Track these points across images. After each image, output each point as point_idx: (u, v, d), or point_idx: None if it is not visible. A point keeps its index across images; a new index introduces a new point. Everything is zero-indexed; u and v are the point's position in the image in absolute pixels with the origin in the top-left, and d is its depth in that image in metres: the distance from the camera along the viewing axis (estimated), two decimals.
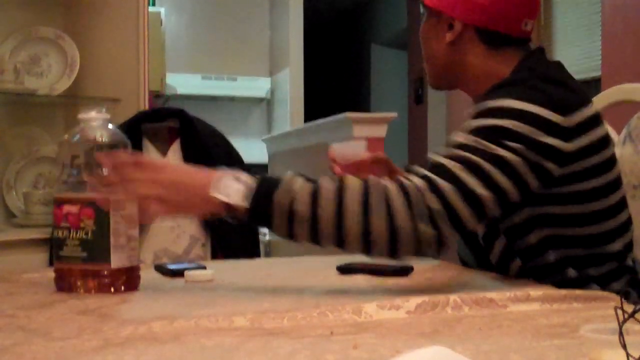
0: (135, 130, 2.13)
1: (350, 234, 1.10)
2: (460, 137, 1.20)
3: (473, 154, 1.16)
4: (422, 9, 1.44)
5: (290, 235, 1.12)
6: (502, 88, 1.27)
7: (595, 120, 1.25)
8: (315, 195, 1.10)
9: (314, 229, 1.10)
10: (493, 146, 1.16)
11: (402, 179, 1.14)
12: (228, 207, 1.13)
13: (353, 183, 1.12)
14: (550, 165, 1.20)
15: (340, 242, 1.11)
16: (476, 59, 1.37)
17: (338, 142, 1.57)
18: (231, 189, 1.13)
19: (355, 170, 1.47)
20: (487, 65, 1.37)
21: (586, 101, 1.27)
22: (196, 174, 1.19)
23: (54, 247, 1.20)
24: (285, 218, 1.11)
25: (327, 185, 1.12)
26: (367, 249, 1.11)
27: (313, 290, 1.18)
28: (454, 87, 1.46)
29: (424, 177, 1.14)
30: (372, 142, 3.02)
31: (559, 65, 1.36)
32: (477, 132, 1.19)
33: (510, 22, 1.35)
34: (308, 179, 1.14)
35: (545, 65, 1.34)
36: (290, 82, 5.33)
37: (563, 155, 1.20)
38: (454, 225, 1.12)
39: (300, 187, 1.12)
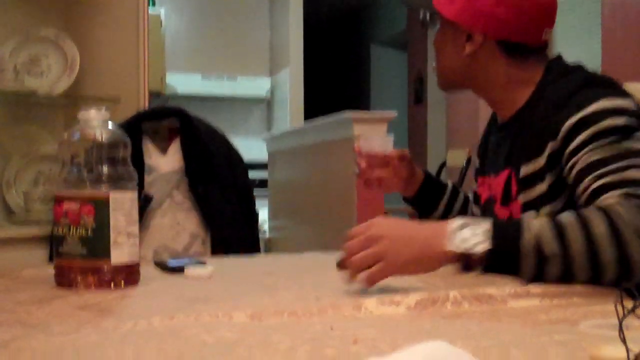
0: (135, 130, 2.13)
1: (606, 265, 1.08)
2: (601, 151, 1.18)
3: (635, 156, 1.16)
4: (433, 18, 1.44)
5: (539, 275, 1.10)
6: (578, 94, 1.25)
7: None
8: (560, 232, 1.08)
9: (566, 266, 1.08)
10: (633, 143, 1.17)
11: (612, 203, 1.11)
12: (464, 256, 1.11)
13: (591, 214, 1.09)
14: None
15: (595, 275, 1.09)
16: (499, 68, 1.37)
17: (365, 137, 1.56)
18: (468, 238, 1.10)
19: (381, 166, 1.48)
20: (510, 74, 1.37)
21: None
22: (422, 230, 1.13)
23: (54, 243, 1.20)
24: (533, 258, 1.08)
25: (569, 220, 1.09)
26: (625, 276, 1.09)
27: (313, 285, 1.18)
28: (466, 89, 1.46)
29: (628, 196, 1.11)
30: None
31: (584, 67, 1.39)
32: (610, 134, 1.19)
33: (531, 34, 1.35)
34: (542, 218, 1.13)
35: (580, 68, 1.37)
36: (290, 81, 5.33)
37: None
38: None
39: (540, 225, 1.10)
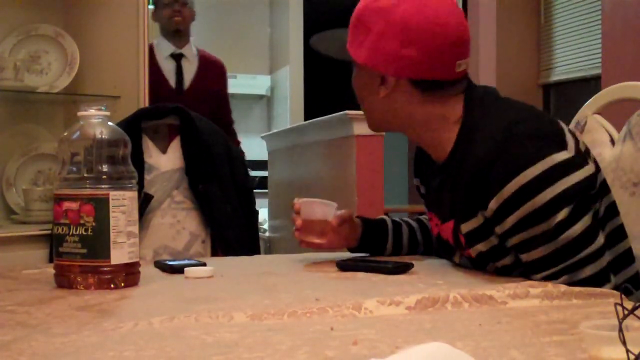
0: (135, 128, 2.12)
1: None
2: (536, 248, 1.20)
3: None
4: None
5: None
6: (503, 156, 1.21)
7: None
8: None
9: None
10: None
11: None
12: None
13: None
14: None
15: None
16: (417, 108, 1.33)
17: (306, 198, 1.49)
18: None
19: (319, 233, 1.45)
20: (429, 112, 1.32)
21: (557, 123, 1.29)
22: None
23: (54, 243, 1.20)
24: None
25: None
26: None
27: (313, 286, 1.18)
28: (396, 131, 1.43)
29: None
30: (371, 141, 3.01)
31: (498, 97, 1.36)
32: (537, 218, 1.19)
33: (443, 68, 1.31)
34: None
35: (496, 100, 1.34)
36: (290, 79, 5.33)
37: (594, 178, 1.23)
38: None
39: None
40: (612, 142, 1.65)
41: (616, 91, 1.73)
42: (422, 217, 1.64)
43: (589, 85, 3.79)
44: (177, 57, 3.29)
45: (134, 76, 2.54)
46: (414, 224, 1.61)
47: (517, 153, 1.20)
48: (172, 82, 3.22)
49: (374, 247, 1.56)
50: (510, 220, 1.20)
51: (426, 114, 1.33)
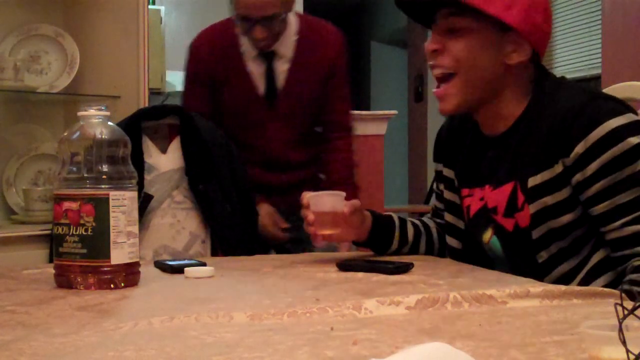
0: (135, 128, 2.12)
1: None
2: (625, 191, 1.23)
3: None
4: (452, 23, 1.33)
5: None
6: (587, 106, 1.26)
7: None
8: None
9: None
10: None
11: None
12: None
13: None
14: None
15: None
16: (525, 80, 1.36)
17: (314, 195, 1.46)
18: None
19: (332, 224, 1.44)
20: (526, 84, 1.37)
21: None
22: None
23: (54, 243, 1.20)
24: None
25: None
26: None
27: (313, 286, 1.18)
28: (471, 109, 1.40)
29: None
30: (371, 141, 3.02)
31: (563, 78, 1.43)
32: (627, 158, 1.22)
33: (546, 46, 1.39)
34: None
35: (569, 82, 1.42)
36: None
37: None
38: None
39: None
40: None
41: (616, 91, 1.73)
42: (424, 218, 1.64)
43: (588, 85, 3.79)
44: (269, 56, 2.26)
45: (134, 76, 2.54)
46: (417, 222, 1.61)
47: (601, 106, 1.27)
48: (261, 87, 2.26)
49: (381, 242, 1.55)
50: (594, 165, 1.23)
51: (524, 85, 1.37)
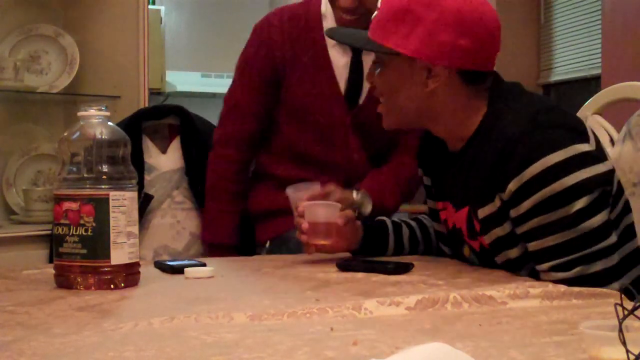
0: (135, 128, 2.12)
1: None
2: (551, 235, 1.20)
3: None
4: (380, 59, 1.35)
5: None
6: (524, 139, 1.21)
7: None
8: None
9: None
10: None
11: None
12: None
13: None
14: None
15: None
16: (460, 100, 1.32)
17: (310, 201, 1.47)
18: None
19: (325, 235, 1.44)
20: (465, 103, 1.32)
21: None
22: None
23: (54, 243, 1.20)
24: None
25: None
26: None
27: (313, 286, 1.18)
28: (414, 127, 1.44)
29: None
30: None
31: (524, 91, 1.36)
32: (553, 203, 1.19)
33: (488, 59, 1.32)
34: None
35: (522, 93, 1.35)
36: None
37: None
38: None
39: None
40: (612, 142, 1.65)
41: (616, 91, 1.73)
42: (421, 217, 1.63)
43: (589, 85, 3.78)
44: (356, 50, 1.79)
45: (134, 76, 2.54)
46: (413, 223, 1.60)
47: (541, 138, 1.21)
48: (342, 82, 1.80)
49: (376, 249, 1.55)
50: (527, 204, 1.20)
51: (463, 105, 1.33)
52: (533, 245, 1.23)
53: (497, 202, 1.26)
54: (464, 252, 1.41)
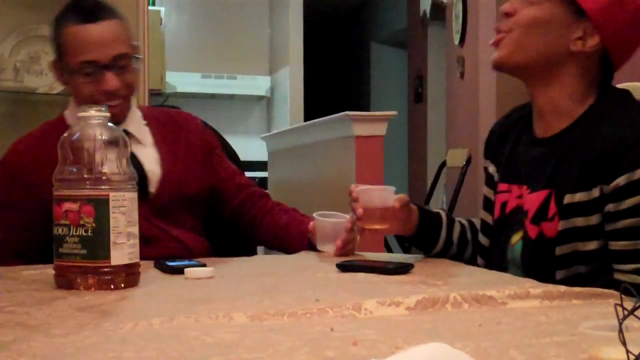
0: None
1: None
2: None
3: None
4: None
5: None
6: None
7: None
8: None
9: None
10: None
11: None
12: None
13: None
14: None
15: None
16: (587, 79, 1.32)
17: (363, 185, 1.45)
18: None
19: (381, 219, 1.42)
20: (587, 89, 1.32)
21: None
22: None
23: (54, 244, 1.20)
24: None
25: None
26: None
27: (313, 286, 1.18)
28: (522, 79, 1.38)
29: None
30: (371, 141, 3.02)
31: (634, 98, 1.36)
32: None
33: (629, 52, 1.33)
34: None
35: (624, 91, 1.36)
36: (290, 80, 5.34)
37: None
38: None
39: None
40: None
41: None
42: (472, 219, 1.61)
43: None
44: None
45: None
46: (465, 223, 1.59)
47: None
48: None
49: (428, 240, 1.53)
50: (630, 201, 1.20)
51: (585, 86, 1.32)
52: (621, 245, 1.23)
53: (595, 193, 1.25)
54: (511, 240, 1.38)
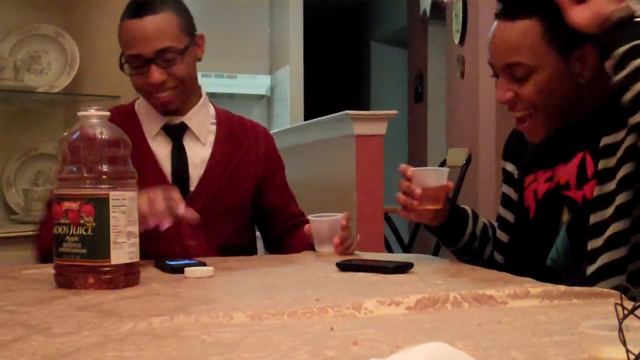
0: None
1: None
2: None
3: None
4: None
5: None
6: None
7: None
8: None
9: None
10: None
11: None
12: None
13: None
14: None
15: None
16: (598, 76, 1.31)
17: (419, 167, 1.47)
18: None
19: (433, 200, 1.42)
20: (601, 82, 1.32)
21: None
22: None
23: (53, 243, 1.20)
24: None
25: None
26: None
27: (313, 286, 1.18)
28: (559, 124, 1.39)
29: None
30: (371, 141, 3.02)
31: None
32: None
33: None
34: None
35: None
36: (290, 79, 5.33)
37: None
38: None
39: None
40: None
41: None
42: (493, 221, 1.61)
43: None
44: (177, 137, 1.76)
45: None
46: (487, 221, 1.60)
47: None
48: (169, 178, 1.72)
49: (454, 233, 1.53)
50: None
51: (599, 84, 1.33)
52: None
53: (621, 134, 1.25)
54: (562, 219, 1.37)
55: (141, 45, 1.62)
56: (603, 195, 1.27)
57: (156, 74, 1.63)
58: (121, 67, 1.69)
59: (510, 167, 1.53)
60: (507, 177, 1.53)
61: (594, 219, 1.27)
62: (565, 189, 1.36)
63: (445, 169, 1.47)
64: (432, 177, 1.44)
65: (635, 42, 1.21)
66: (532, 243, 1.43)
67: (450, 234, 1.54)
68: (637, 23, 1.23)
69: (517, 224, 1.49)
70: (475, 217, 1.57)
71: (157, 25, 1.64)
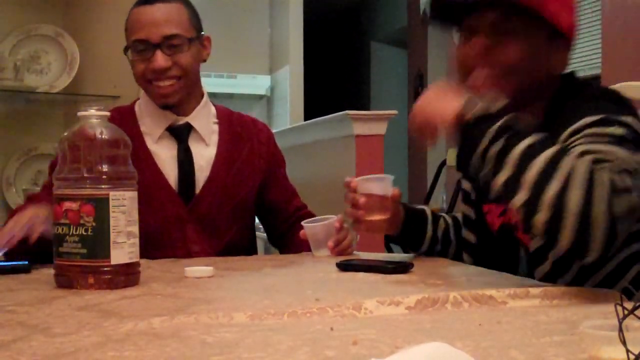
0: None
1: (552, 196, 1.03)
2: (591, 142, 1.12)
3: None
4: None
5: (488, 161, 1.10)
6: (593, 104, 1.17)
7: None
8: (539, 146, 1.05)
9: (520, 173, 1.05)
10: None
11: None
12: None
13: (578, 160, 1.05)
14: None
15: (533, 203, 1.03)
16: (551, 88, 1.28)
17: (362, 177, 1.44)
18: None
19: (380, 209, 1.40)
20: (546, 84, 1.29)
21: None
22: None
23: (53, 243, 1.20)
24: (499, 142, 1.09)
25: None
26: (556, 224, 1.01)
27: (313, 286, 1.18)
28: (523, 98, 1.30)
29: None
30: (371, 141, 3.02)
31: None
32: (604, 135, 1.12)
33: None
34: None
35: (591, 85, 1.35)
36: (290, 79, 5.33)
37: None
38: None
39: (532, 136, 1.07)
40: None
41: None
42: (457, 215, 1.59)
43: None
44: (182, 138, 1.75)
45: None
46: (449, 220, 1.56)
47: (599, 106, 1.17)
48: (172, 181, 1.71)
49: (413, 239, 1.51)
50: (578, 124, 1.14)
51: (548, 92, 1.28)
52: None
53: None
54: (521, 252, 1.34)
55: (149, 30, 1.63)
56: (539, 248, 1.24)
57: (161, 60, 1.63)
58: (125, 54, 1.68)
59: (468, 185, 1.49)
60: (465, 196, 1.49)
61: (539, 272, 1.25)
62: (517, 229, 1.33)
63: (389, 176, 1.44)
64: (375, 185, 1.42)
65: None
66: (498, 261, 1.42)
67: (410, 241, 1.52)
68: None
69: (479, 244, 1.46)
70: (436, 218, 1.54)
71: (167, 12, 1.65)
